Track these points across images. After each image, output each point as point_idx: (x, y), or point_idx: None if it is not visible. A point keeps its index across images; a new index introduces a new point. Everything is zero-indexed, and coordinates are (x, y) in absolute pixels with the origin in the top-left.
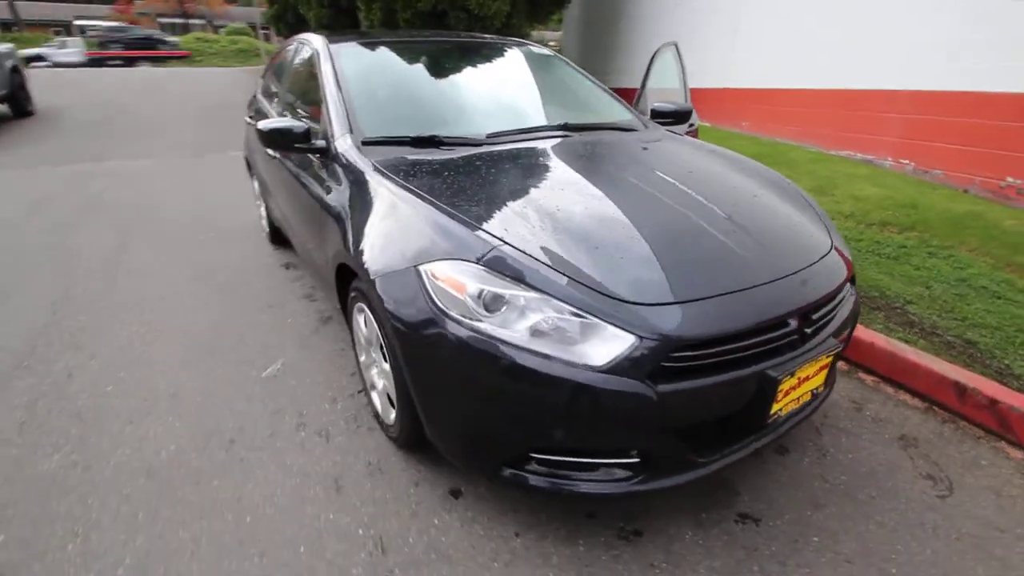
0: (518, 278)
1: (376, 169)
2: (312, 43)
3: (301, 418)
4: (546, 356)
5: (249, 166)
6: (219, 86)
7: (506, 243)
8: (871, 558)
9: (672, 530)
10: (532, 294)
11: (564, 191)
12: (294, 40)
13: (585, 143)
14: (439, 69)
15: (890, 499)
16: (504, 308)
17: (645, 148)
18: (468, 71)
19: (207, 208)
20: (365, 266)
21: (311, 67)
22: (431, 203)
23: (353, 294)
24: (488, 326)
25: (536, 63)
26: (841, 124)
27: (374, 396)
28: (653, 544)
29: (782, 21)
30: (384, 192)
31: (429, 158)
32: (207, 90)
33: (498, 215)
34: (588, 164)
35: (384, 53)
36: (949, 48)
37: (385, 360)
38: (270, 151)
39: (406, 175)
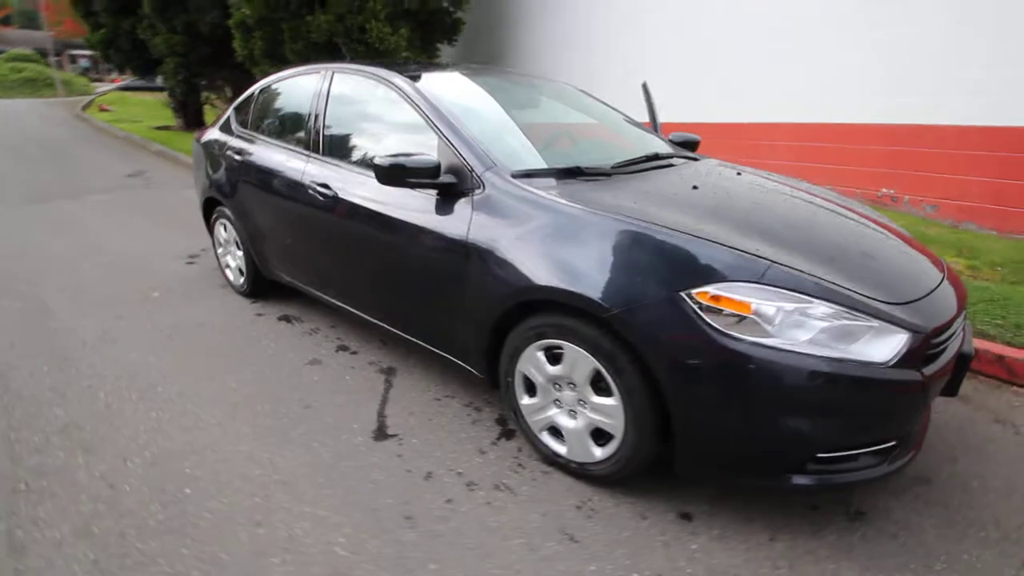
0: (798, 290)
1: (573, 201)
2: (382, 75)
3: (461, 477)
4: (839, 360)
5: (211, 210)
6: (22, 122)
7: (773, 261)
8: None
9: (881, 504)
10: (816, 304)
11: (752, 212)
12: (310, 73)
13: (695, 170)
14: (518, 102)
15: None
16: (790, 320)
17: (739, 174)
18: (546, 105)
19: (120, 260)
20: (596, 299)
21: (390, 102)
22: (663, 230)
23: (532, 331)
24: (779, 340)
25: (581, 96)
26: (736, 152)
27: (545, 436)
28: (884, 520)
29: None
30: (596, 223)
31: (599, 188)
32: (8, 127)
33: (732, 235)
34: (728, 187)
35: (460, 85)
36: (822, 88)
37: (598, 395)
38: (316, 192)
39: (605, 205)
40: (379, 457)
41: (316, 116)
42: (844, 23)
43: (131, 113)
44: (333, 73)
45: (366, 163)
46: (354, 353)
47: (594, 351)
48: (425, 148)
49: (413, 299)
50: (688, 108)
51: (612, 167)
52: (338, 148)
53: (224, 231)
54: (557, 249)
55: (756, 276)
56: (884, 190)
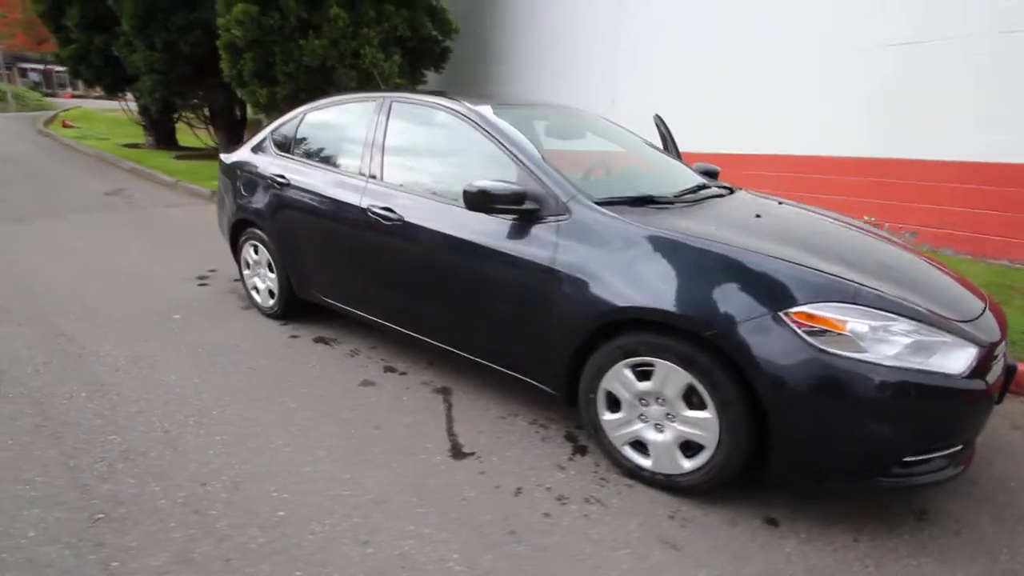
0: (885, 309)
1: (662, 227)
2: (451, 106)
3: (551, 492)
4: (925, 372)
5: (239, 232)
6: None
7: (860, 283)
8: None
9: (940, 505)
10: (900, 322)
11: (817, 238)
12: (363, 101)
13: (743, 199)
14: (569, 133)
15: None
16: (878, 337)
17: (780, 203)
18: (591, 136)
19: (127, 282)
20: (699, 319)
21: (458, 131)
22: (758, 255)
23: (619, 350)
24: (871, 355)
25: (610, 125)
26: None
27: (627, 451)
28: (946, 519)
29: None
30: (691, 248)
31: (676, 216)
32: None
33: (815, 260)
34: (783, 215)
35: (510, 117)
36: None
37: (690, 408)
38: (377, 216)
39: (693, 232)
40: (462, 475)
41: (374, 143)
42: (829, 76)
43: (96, 129)
44: (391, 102)
45: (436, 189)
46: (403, 374)
47: (689, 367)
48: (499, 175)
49: (482, 320)
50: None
51: (675, 196)
52: (401, 174)
53: (255, 253)
54: (655, 273)
55: (848, 297)
56: (867, 218)
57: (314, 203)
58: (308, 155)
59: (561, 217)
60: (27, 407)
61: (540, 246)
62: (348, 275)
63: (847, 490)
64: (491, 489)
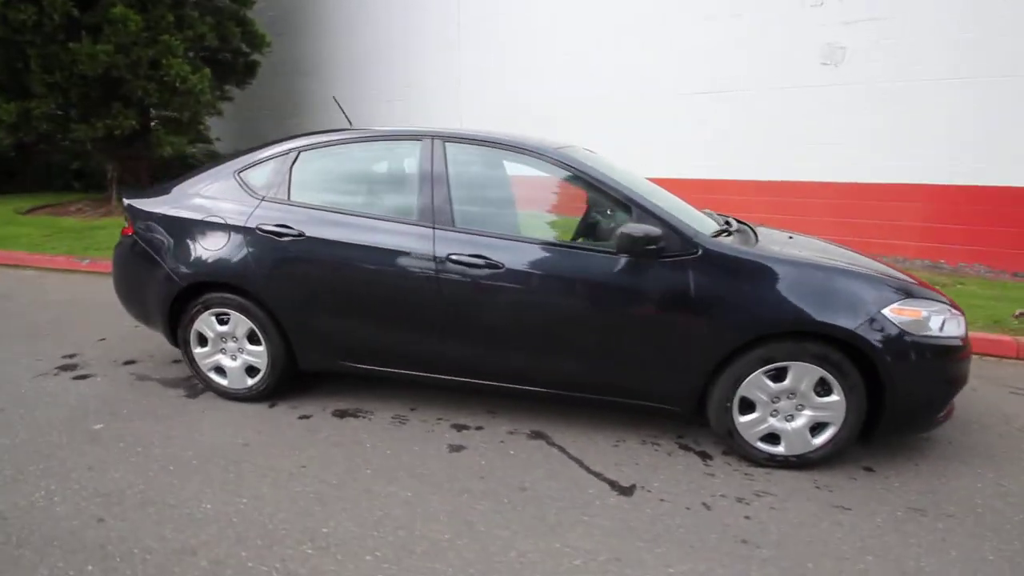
0: (932, 299)
1: (778, 253)
2: (534, 149)
3: (726, 498)
4: (952, 337)
5: (190, 303)
6: None
7: (912, 284)
8: None
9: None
10: (936, 305)
11: (839, 253)
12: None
13: (764, 230)
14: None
15: None
16: (933, 318)
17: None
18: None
19: None
20: (838, 324)
21: (545, 175)
22: (857, 269)
23: (757, 358)
24: (936, 332)
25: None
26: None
27: (760, 444)
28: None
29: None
30: (811, 267)
31: (767, 242)
32: None
33: (871, 265)
34: (797, 238)
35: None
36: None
37: (820, 396)
38: (460, 265)
39: (795, 255)
40: (651, 508)
41: (434, 187)
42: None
43: None
44: (444, 142)
45: (530, 232)
46: (480, 428)
47: (822, 363)
48: (593, 218)
49: (600, 356)
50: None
51: (735, 228)
52: (484, 221)
53: (220, 325)
54: (793, 291)
55: (913, 292)
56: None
57: (351, 257)
58: (321, 202)
59: (690, 253)
60: None
61: (673, 280)
62: (404, 332)
63: (923, 434)
64: (686, 512)
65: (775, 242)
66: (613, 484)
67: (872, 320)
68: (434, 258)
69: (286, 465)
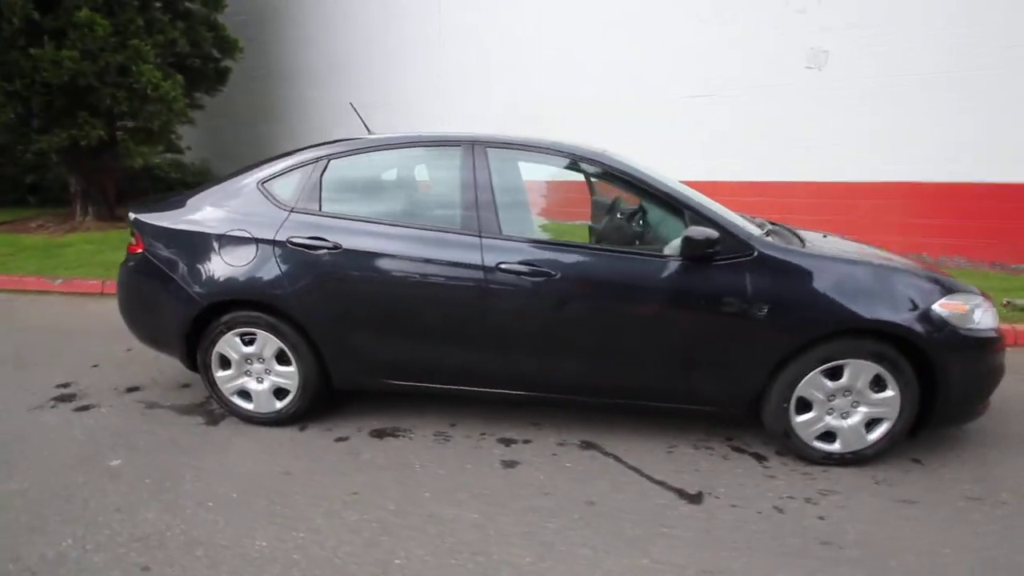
0: (972, 293)
1: (833, 252)
2: (583, 154)
3: (794, 500)
4: (991, 328)
5: (212, 323)
6: None
7: (952, 279)
8: None
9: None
10: (976, 298)
11: (866, 249)
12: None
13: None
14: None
15: None
16: (976, 311)
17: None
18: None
19: None
20: (897, 321)
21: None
22: (906, 266)
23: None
24: (978, 325)
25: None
26: None
27: (816, 443)
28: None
29: None
30: (869, 267)
31: (813, 242)
32: None
33: (907, 262)
34: (829, 237)
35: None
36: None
37: (878, 392)
38: (511, 274)
39: (846, 255)
40: (726, 516)
41: (478, 195)
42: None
43: None
44: (485, 148)
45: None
46: (527, 442)
47: (880, 361)
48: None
49: (659, 362)
50: None
51: (775, 227)
52: (531, 228)
53: (246, 346)
54: (847, 290)
55: (957, 287)
56: None
57: (393, 268)
58: (354, 211)
59: (746, 255)
60: None
61: (730, 283)
62: (451, 345)
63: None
64: (760, 517)
65: (816, 242)
66: (680, 492)
67: (926, 316)
68: (482, 267)
69: (336, 493)
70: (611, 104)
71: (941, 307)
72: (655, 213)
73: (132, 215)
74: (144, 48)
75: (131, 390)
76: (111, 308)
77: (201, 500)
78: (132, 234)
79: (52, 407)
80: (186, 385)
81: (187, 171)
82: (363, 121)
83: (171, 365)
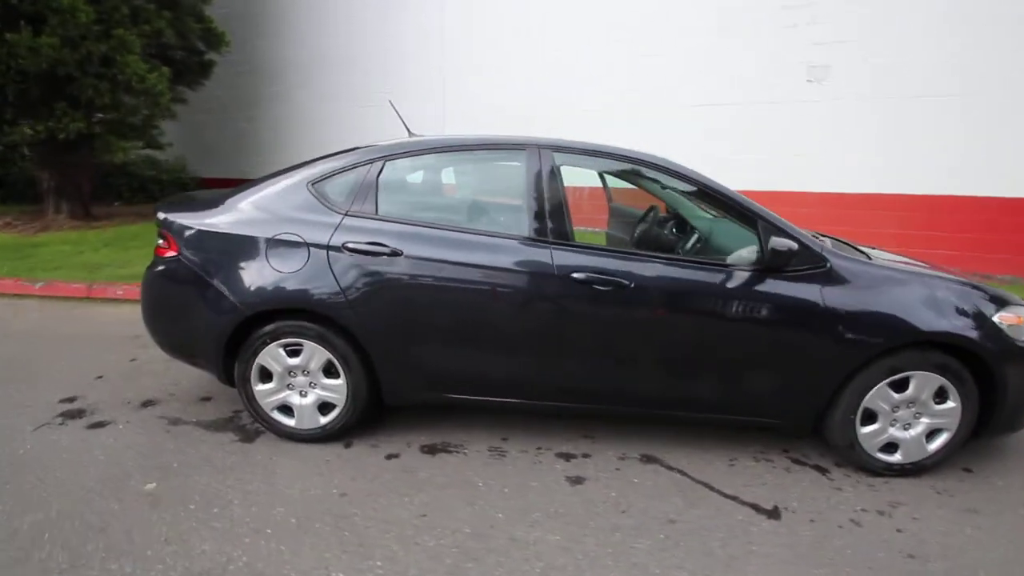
0: (1022, 304)
1: (901, 264)
2: (659, 163)
3: (867, 512)
4: None
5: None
6: None
7: (998, 288)
8: None
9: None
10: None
11: (914, 262)
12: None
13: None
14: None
15: None
16: None
17: None
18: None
19: None
20: (965, 335)
21: (663, 189)
22: (965, 280)
23: (881, 369)
24: None
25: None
26: None
27: (878, 454)
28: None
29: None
30: (931, 279)
31: (876, 255)
32: None
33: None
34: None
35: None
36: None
37: (940, 404)
38: (581, 283)
39: (905, 268)
40: (807, 533)
41: (547, 201)
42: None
43: None
44: (552, 152)
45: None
46: (587, 456)
47: (944, 372)
48: (709, 232)
49: (733, 375)
50: None
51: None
52: (601, 235)
53: (291, 357)
54: (915, 303)
55: (1011, 300)
56: None
57: (458, 276)
58: (414, 216)
59: (819, 266)
60: None
61: (804, 294)
62: (519, 357)
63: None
64: (841, 531)
65: (879, 255)
66: (756, 508)
67: (989, 328)
68: (554, 277)
69: (403, 515)
70: (612, 106)
71: (1000, 319)
72: (706, 223)
73: (162, 215)
74: (130, 38)
75: (147, 404)
76: (101, 313)
77: (258, 527)
78: (161, 236)
79: (61, 424)
80: (206, 398)
81: (161, 168)
82: (404, 122)
83: (186, 376)
